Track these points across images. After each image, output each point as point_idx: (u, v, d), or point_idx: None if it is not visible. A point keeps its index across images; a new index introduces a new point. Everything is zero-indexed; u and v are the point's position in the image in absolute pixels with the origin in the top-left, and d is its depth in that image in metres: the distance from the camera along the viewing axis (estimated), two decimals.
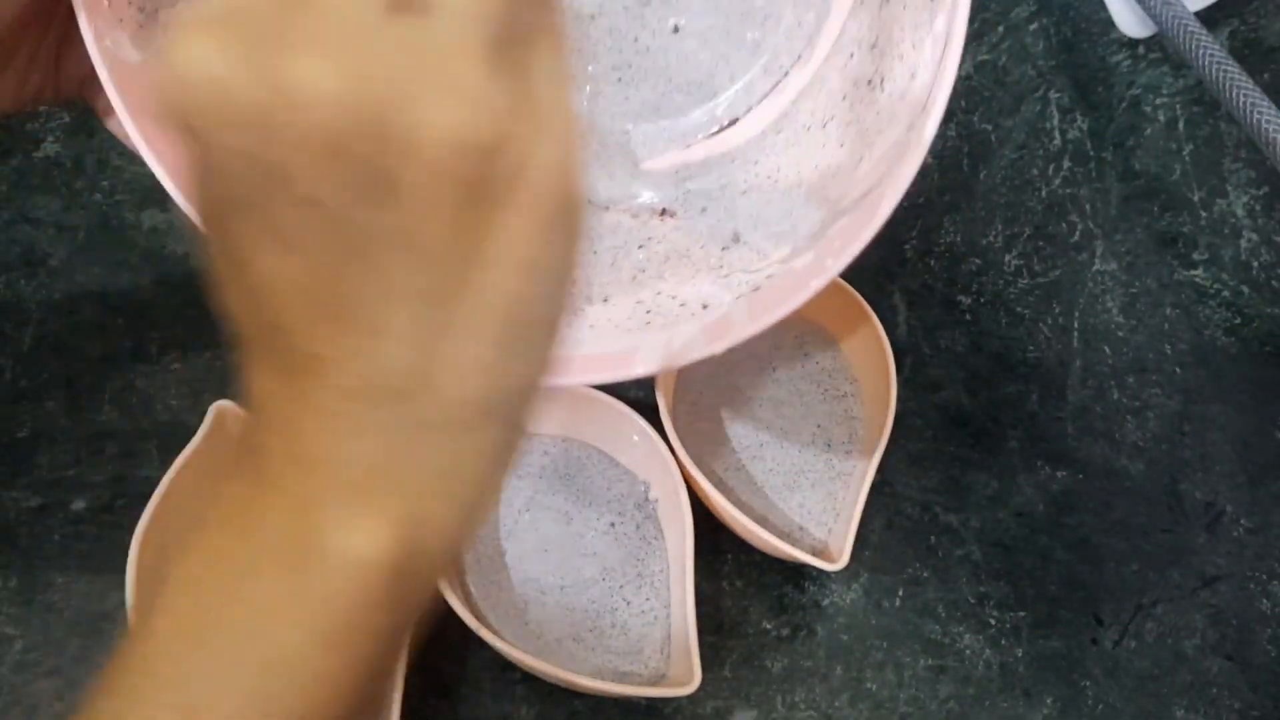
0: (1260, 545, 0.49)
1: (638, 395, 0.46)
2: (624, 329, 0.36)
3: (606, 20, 0.40)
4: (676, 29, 0.40)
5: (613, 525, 0.45)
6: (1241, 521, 0.49)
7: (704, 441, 0.47)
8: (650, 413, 0.44)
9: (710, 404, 0.48)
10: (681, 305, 0.36)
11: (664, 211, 0.40)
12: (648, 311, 0.37)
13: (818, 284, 0.32)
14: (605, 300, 0.37)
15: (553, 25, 0.22)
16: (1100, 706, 0.45)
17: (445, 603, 0.40)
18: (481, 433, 0.22)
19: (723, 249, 0.38)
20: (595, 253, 0.38)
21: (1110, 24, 0.56)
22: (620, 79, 0.41)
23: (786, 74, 0.39)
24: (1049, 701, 0.45)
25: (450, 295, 0.21)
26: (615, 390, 0.45)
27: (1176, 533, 0.49)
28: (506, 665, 0.43)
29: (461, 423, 0.22)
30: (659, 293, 0.37)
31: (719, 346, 0.32)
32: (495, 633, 0.40)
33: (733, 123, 0.40)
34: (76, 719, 0.22)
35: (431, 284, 0.20)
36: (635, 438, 0.44)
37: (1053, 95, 0.56)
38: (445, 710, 0.43)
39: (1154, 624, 0.47)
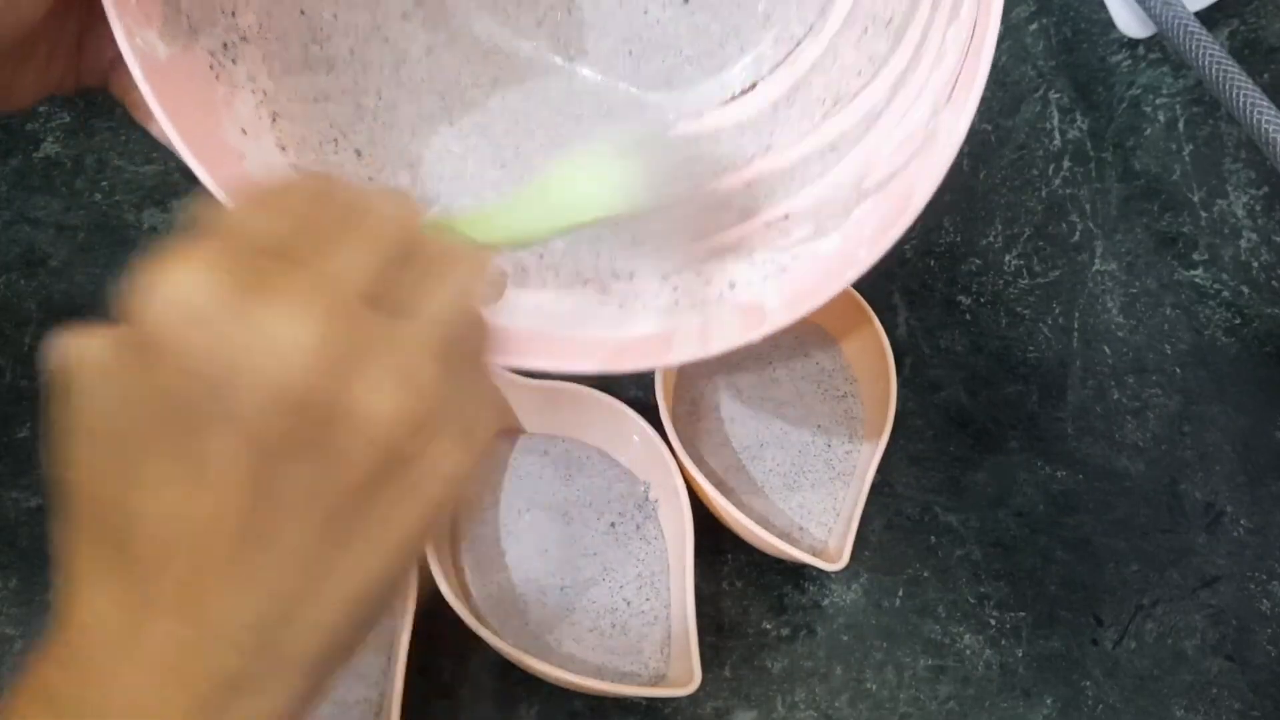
0: (1260, 545, 0.49)
1: (637, 395, 0.46)
2: (652, 308, 0.36)
3: None
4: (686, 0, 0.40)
5: (613, 525, 0.45)
6: (1241, 521, 0.49)
7: (704, 441, 0.47)
8: (650, 413, 0.44)
9: (710, 404, 0.48)
10: (707, 283, 0.36)
11: None
12: (675, 289, 0.37)
13: (852, 274, 0.32)
14: (631, 276, 0.37)
15: (483, 349, 0.25)
16: (1100, 706, 0.45)
17: (445, 603, 0.40)
18: (296, 684, 0.23)
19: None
20: (615, 228, 0.38)
21: (1110, 24, 0.56)
22: (630, 52, 0.41)
23: (799, 44, 0.39)
24: (1049, 701, 0.45)
25: (327, 561, 0.22)
26: (615, 390, 0.45)
27: (1176, 533, 0.49)
28: (506, 665, 0.43)
29: (284, 676, 0.23)
30: (685, 271, 0.37)
31: (755, 335, 0.32)
32: (495, 633, 0.40)
33: (744, 92, 0.40)
34: None
35: (318, 547, 0.22)
36: (635, 438, 0.44)
37: (1053, 95, 0.56)
38: (445, 710, 0.43)
39: (1154, 624, 0.47)
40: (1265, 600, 0.48)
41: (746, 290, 0.35)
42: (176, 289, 0.21)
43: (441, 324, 0.23)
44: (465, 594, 0.43)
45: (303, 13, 0.37)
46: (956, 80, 0.32)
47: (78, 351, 0.22)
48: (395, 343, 0.22)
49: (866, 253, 0.32)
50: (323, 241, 0.23)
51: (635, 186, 0.32)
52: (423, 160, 0.39)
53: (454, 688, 0.44)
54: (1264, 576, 0.48)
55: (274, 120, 0.36)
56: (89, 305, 0.48)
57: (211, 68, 0.35)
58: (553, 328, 0.36)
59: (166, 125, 0.31)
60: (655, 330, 0.35)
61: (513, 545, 0.44)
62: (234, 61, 0.36)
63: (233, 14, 0.36)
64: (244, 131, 0.35)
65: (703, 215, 0.38)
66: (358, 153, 0.38)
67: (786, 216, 0.37)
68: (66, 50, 0.37)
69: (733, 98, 0.40)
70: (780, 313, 0.33)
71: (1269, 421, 0.51)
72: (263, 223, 0.23)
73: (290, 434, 0.21)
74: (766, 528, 0.42)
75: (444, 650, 0.43)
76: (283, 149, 0.36)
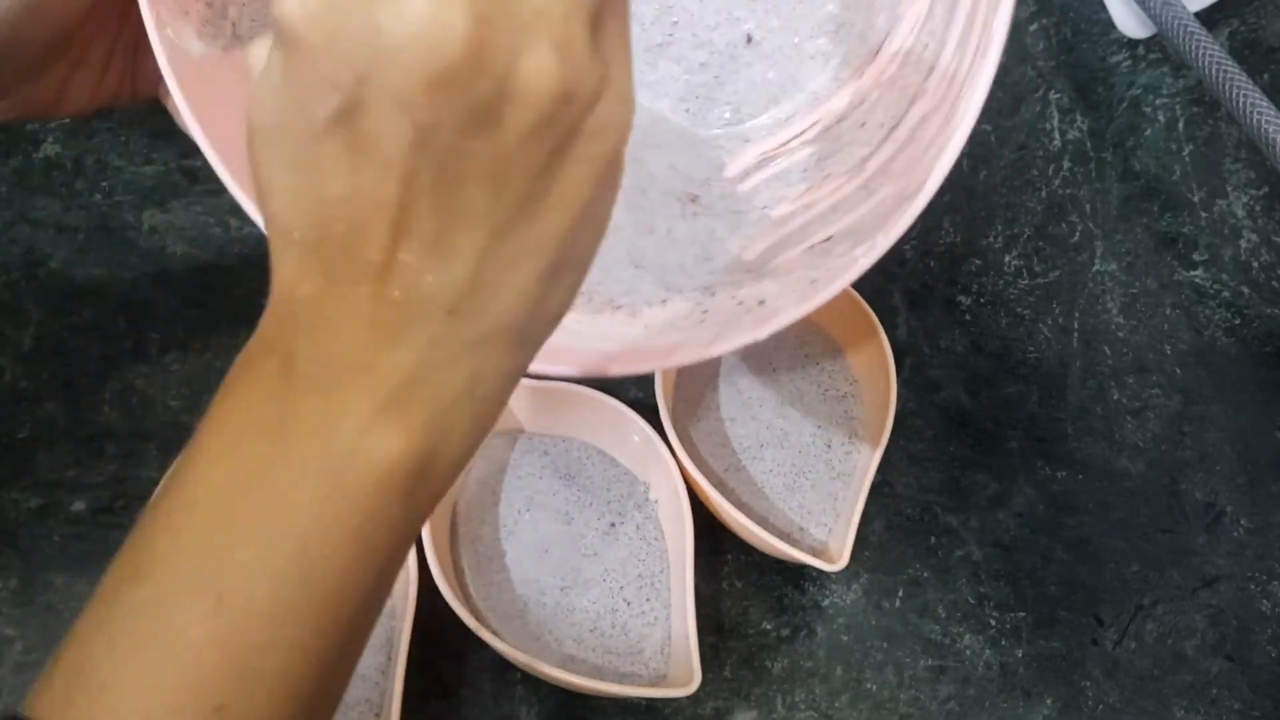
0: (1260, 545, 0.49)
1: (638, 395, 0.46)
2: (678, 327, 0.36)
3: (675, 49, 0.40)
4: (749, 39, 0.40)
5: (613, 525, 0.45)
6: (1241, 521, 0.49)
7: (704, 441, 0.47)
8: (650, 413, 0.44)
9: (710, 404, 0.48)
10: (739, 304, 0.36)
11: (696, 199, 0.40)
12: (704, 311, 0.36)
13: (866, 262, 0.31)
14: (664, 303, 0.37)
15: (624, 4, 0.25)
16: (1100, 707, 0.45)
17: (445, 603, 0.40)
18: (507, 355, 0.24)
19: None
20: (683, 264, 0.38)
21: (1110, 24, 0.56)
22: (689, 110, 0.40)
23: (863, 70, 0.39)
24: (1049, 702, 0.45)
25: (516, 226, 0.23)
26: (615, 390, 0.45)
27: (1176, 533, 0.49)
28: (506, 665, 0.43)
29: (494, 344, 0.24)
30: (720, 295, 0.37)
31: (764, 331, 0.32)
32: (495, 633, 0.40)
33: (800, 133, 0.40)
34: (99, 606, 0.23)
35: (505, 213, 0.23)
36: (635, 438, 0.44)
37: (1053, 95, 0.56)
38: (445, 710, 0.43)
39: (1154, 624, 0.47)
40: (1265, 600, 0.48)
41: (774, 304, 0.35)
42: None
43: None
44: (465, 594, 0.43)
45: None
46: (968, 71, 0.31)
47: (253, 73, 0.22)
48: (537, 9, 0.22)
49: (884, 239, 0.31)
50: None
51: None
52: None
53: (454, 688, 0.44)
54: (1264, 576, 0.48)
55: None
56: (89, 305, 0.48)
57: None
58: (567, 341, 0.35)
59: (185, 113, 0.31)
60: (667, 342, 0.35)
61: (513, 545, 0.44)
62: None
63: None
64: None
65: (754, 242, 0.38)
66: None
67: (829, 239, 0.36)
68: (122, 60, 0.37)
69: (788, 130, 0.40)
70: (794, 310, 0.32)
71: (1269, 421, 0.51)
72: None
73: (451, 107, 0.21)
74: (766, 528, 0.42)
75: (444, 650, 0.43)
76: None
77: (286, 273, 0.24)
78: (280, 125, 0.23)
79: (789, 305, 0.33)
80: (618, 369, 0.34)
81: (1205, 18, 0.52)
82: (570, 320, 0.36)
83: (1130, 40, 0.57)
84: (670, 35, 0.40)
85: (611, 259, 0.38)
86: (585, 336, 0.36)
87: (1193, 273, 0.53)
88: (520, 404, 0.46)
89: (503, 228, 0.23)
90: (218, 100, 0.32)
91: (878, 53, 0.38)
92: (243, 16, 0.34)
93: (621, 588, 0.44)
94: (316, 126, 0.22)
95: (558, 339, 0.35)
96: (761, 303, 0.35)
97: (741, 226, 0.38)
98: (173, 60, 0.31)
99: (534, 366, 0.33)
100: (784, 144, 0.40)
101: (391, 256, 0.23)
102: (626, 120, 0.24)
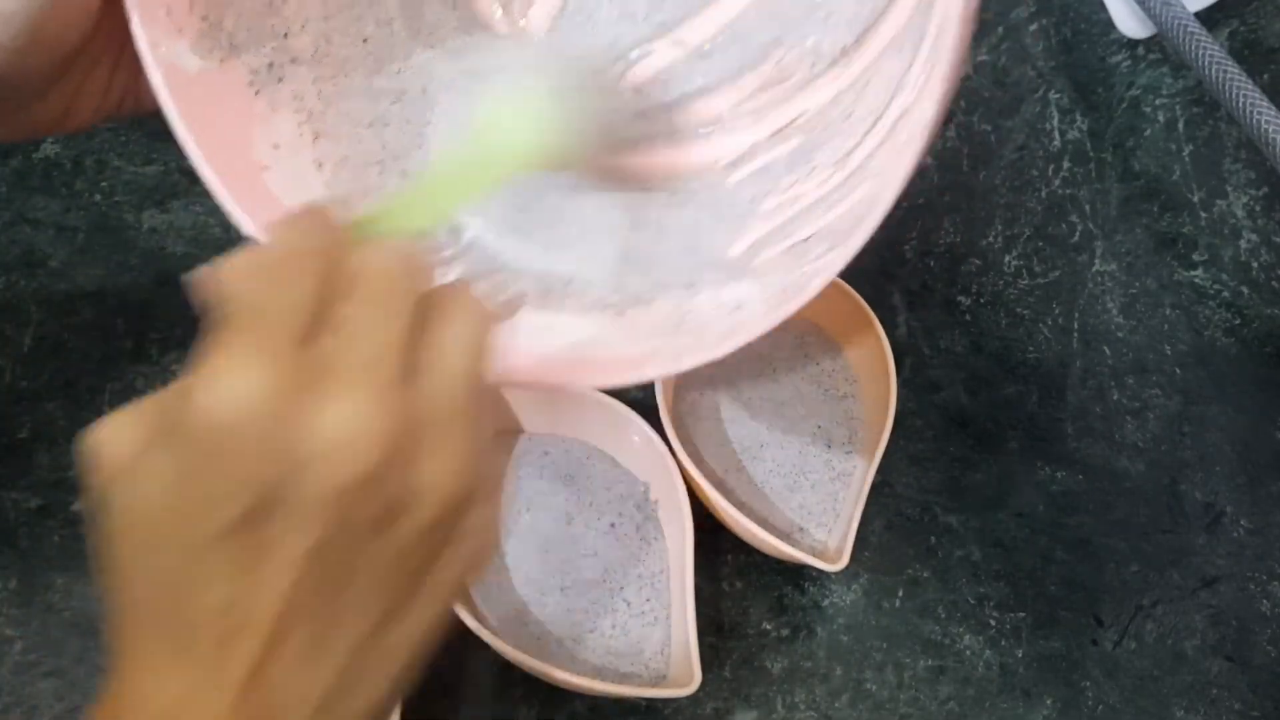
0: (1260, 546, 0.49)
1: (638, 396, 0.46)
2: (656, 332, 0.35)
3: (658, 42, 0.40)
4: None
5: (613, 526, 0.45)
6: (1241, 522, 0.49)
7: (704, 441, 0.47)
8: (650, 413, 0.44)
9: (710, 404, 0.48)
10: (718, 307, 0.35)
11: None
12: (685, 314, 0.36)
13: (818, 283, 0.31)
14: (650, 303, 0.37)
15: (488, 403, 0.27)
16: (1100, 707, 0.45)
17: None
18: None
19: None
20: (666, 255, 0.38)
21: (1110, 24, 0.56)
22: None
23: (849, 59, 0.39)
24: (1049, 702, 0.45)
25: (389, 624, 0.24)
26: (615, 391, 0.44)
27: (1176, 533, 0.49)
28: (506, 665, 0.43)
29: None
30: (703, 296, 0.36)
31: (723, 350, 0.31)
32: (495, 633, 0.40)
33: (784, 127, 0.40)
34: None
35: (379, 615, 0.24)
36: (635, 438, 0.44)
37: (1053, 96, 0.56)
38: (445, 710, 0.43)
39: (1154, 624, 0.47)
40: (1265, 600, 0.48)
41: (749, 310, 0.34)
42: (223, 394, 0.21)
43: (466, 383, 0.24)
44: (465, 594, 0.43)
45: (365, 41, 0.37)
46: (924, 80, 0.31)
47: (116, 449, 0.22)
48: (437, 415, 0.23)
49: (840, 254, 0.31)
50: (344, 312, 0.23)
51: (569, 128, 0.31)
52: None
53: (454, 688, 0.44)
54: (1264, 577, 0.48)
55: (315, 139, 0.36)
56: (89, 305, 0.48)
57: (251, 84, 0.34)
58: (548, 347, 0.35)
59: (184, 136, 0.31)
60: (640, 352, 0.34)
61: (513, 545, 0.44)
62: (279, 81, 0.35)
63: (284, 36, 0.35)
64: (276, 146, 0.34)
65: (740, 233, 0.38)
66: (404, 174, 0.37)
67: (808, 239, 0.36)
68: (128, 71, 0.37)
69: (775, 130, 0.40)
70: (758, 322, 0.32)
71: (1269, 421, 0.51)
72: (284, 297, 0.22)
73: (351, 520, 0.22)
74: (766, 528, 0.42)
75: (444, 650, 0.43)
76: (319, 166, 0.35)
77: (142, 677, 0.23)
78: (169, 525, 0.22)
79: (757, 316, 0.32)
80: (588, 380, 0.34)
81: (1205, 18, 0.52)
82: (555, 320, 0.36)
83: (1130, 40, 0.57)
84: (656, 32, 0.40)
85: (604, 258, 0.37)
86: (565, 339, 0.36)
87: (1193, 273, 0.53)
88: (520, 404, 0.46)
89: (377, 629, 0.24)
90: (214, 112, 0.32)
91: (866, 39, 0.38)
92: (239, 27, 0.34)
93: (621, 588, 0.44)
94: (212, 531, 0.22)
95: (537, 346, 0.35)
96: (739, 307, 0.35)
97: (728, 219, 0.38)
98: (169, 77, 0.31)
99: (520, 380, 0.33)
100: (776, 132, 0.40)
101: (264, 664, 0.22)
102: (493, 518, 0.25)
